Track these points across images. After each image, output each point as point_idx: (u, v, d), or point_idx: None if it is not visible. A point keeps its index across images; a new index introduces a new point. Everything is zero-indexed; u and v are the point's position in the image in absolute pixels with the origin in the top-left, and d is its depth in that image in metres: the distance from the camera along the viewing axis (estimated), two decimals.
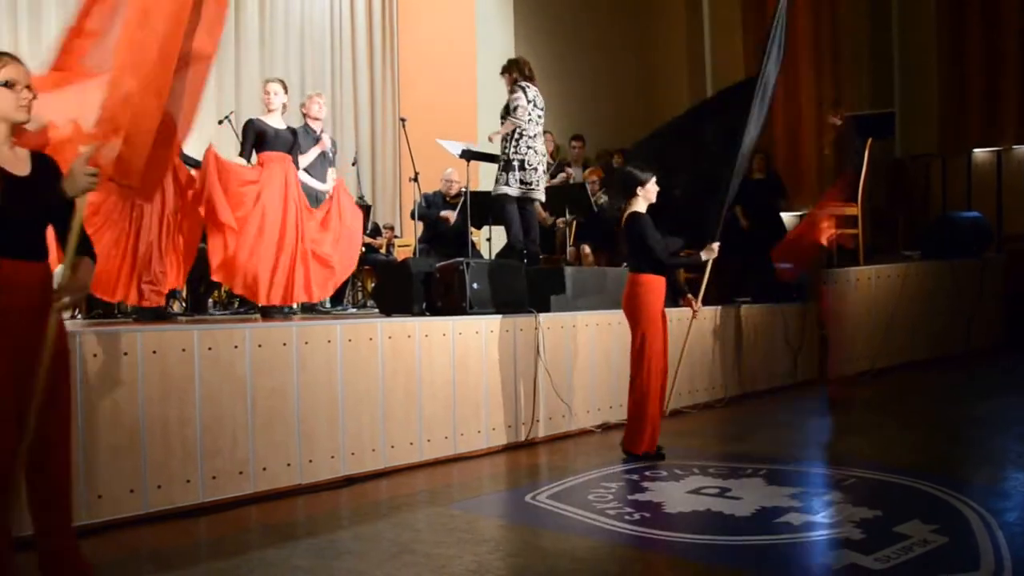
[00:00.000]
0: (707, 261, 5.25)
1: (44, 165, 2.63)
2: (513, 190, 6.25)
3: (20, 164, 2.55)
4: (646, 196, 4.98)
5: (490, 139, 6.62)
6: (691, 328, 5.66)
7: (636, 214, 4.94)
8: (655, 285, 4.90)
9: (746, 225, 8.62)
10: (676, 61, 11.54)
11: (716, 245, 5.19)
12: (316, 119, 6.41)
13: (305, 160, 6.10)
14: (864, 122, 7.86)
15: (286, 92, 5.91)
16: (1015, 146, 9.12)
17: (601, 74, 10.64)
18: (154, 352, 3.81)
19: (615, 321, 6.13)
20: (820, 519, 3.63)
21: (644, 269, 4.92)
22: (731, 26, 11.20)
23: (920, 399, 6.76)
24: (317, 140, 6.27)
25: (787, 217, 10.41)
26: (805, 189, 10.38)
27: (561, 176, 8.50)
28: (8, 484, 2.53)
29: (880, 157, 7.57)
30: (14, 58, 2.59)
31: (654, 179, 5.00)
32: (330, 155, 6.42)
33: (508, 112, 6.38)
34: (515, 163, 6.16)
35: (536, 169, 6.34)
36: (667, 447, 5.02)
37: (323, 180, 6.23)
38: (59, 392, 2.65)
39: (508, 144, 6.27)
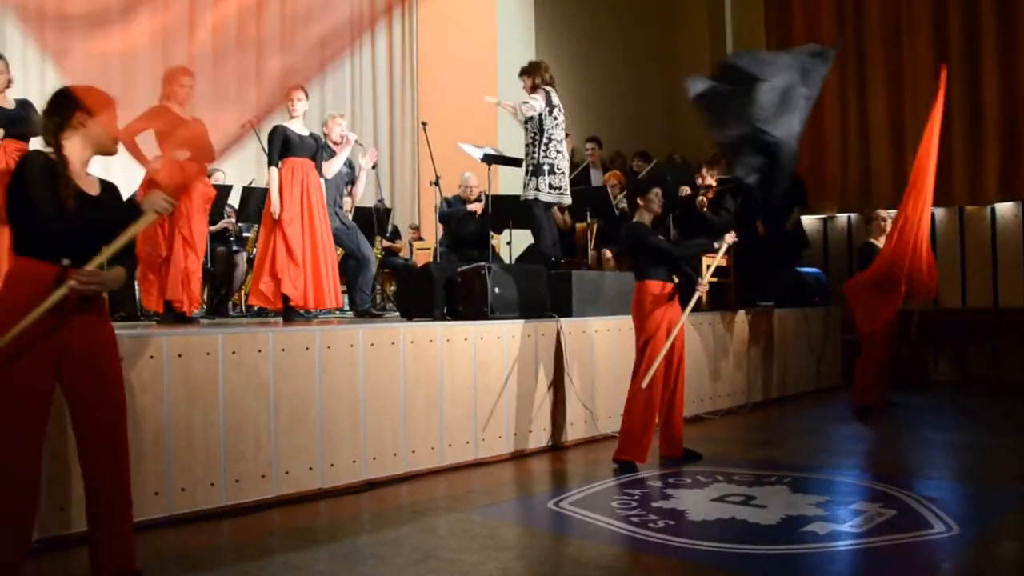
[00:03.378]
0: (720, 249, 5.12)
1: (110, 188, 2.90)
2: (544, 195, 6.23)
3: (92, 187, 2.81)
4: (648, 207, 4.98)
5: (500, 104, 6.51)
6: (693, 304, 5.00)
7: (632, 224, 5.00)
8: (656, 291, 4.88)
9: (763, 231, 8.58)
10: (697, 67, 11.48)
11: (731, 235, 5.12)
12: (336, 143, 6.33)
13: (332, 167, 6.07)
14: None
15: (307, 98, 5.94)
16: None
17: (621, 77, 10.61)
18: (179, 355, 3.83)
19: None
20: (847, 528, 3.59)
21: (646, 276, 4.91)
22: (754, 34, 11.14)
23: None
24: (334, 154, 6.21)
25: (808, 220, 10.36)
26: (829, 193, 10.29)
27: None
28: (28, 485, 2.63)
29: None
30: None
31: (656, 191, 5.00)
32: (356, 165, 6.43)
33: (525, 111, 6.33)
34: (545, 168, 6.14)
35: (564, 173, 6.33)
36: None
37: (340, 195, 6.26)
38: (105, 392, 2.73)
39: (536, 149, 6.24)
